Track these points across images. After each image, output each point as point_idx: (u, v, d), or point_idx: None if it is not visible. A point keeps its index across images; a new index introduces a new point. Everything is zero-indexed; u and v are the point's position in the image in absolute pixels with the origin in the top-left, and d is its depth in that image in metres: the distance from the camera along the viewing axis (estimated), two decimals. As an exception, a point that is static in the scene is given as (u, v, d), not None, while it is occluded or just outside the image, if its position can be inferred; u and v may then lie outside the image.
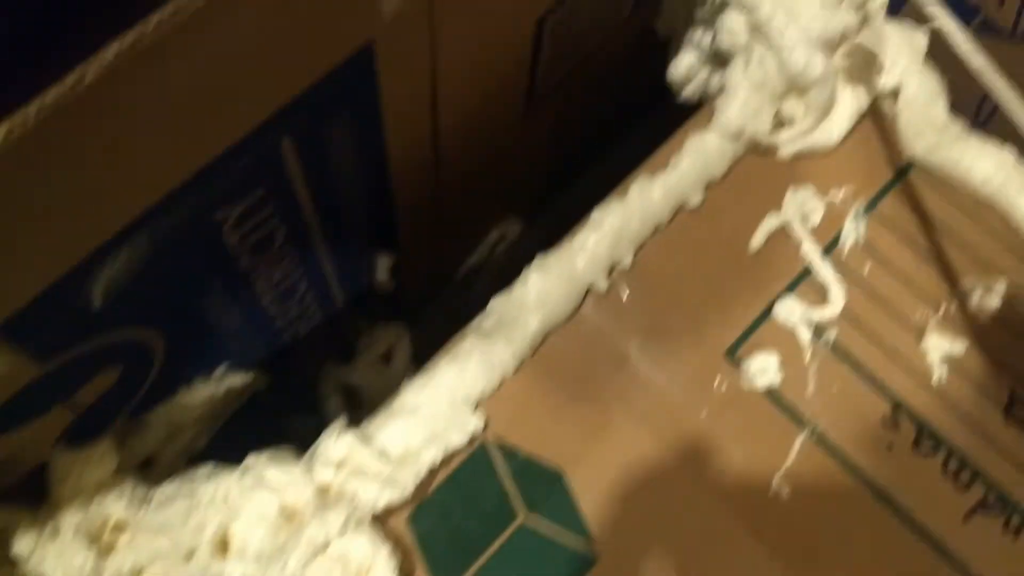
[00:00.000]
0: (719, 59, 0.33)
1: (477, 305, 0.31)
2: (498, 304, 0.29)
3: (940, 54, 0.33)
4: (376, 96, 0.25)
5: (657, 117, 0.44)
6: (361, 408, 0.37)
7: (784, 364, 0.29)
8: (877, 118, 0.33)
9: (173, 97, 0.18)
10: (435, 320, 0.40)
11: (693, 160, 0.31)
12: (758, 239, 0.31)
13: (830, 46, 0.31)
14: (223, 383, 0.29)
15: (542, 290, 0.29)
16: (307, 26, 0.20)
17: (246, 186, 0.23)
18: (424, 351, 0.40)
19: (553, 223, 0.45)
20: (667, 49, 0.38)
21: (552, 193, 0.44)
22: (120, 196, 0.19)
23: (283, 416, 0.37)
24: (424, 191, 0.32)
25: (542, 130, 0.36)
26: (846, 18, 0.31)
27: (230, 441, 0.33)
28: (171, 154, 0.19)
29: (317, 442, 0.26)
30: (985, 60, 0.27)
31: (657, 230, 0.30)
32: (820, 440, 0.28)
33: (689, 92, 0.36)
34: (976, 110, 0.36)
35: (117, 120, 0.17)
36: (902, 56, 0.32)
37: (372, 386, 0.36)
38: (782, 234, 0.31)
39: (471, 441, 0.27)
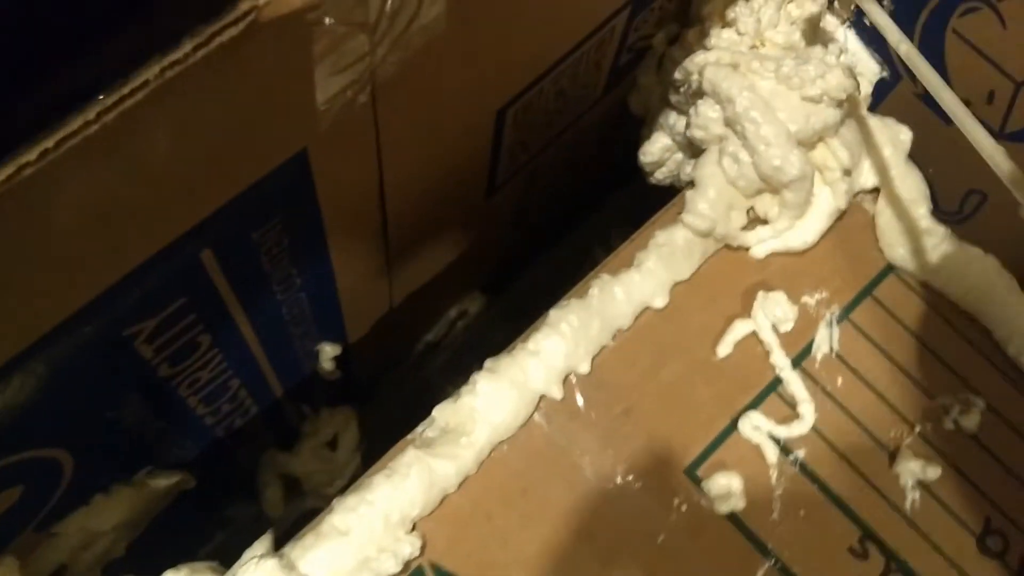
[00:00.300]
0: (693, 147, 0.32)
1: (435, 384, 0.29)
2: (442, 412, 0.27)
3: (922, 147, 0.32)
4: (312, 197, 0.23)
5: (631, 187, 0.43)
6: (303, 497, 0.35)
7: (748, 485, 0.27)
8: (856, 219, 0.31)
9: (64, 225, 0.16)
10: (388, 402, 0.38)
11: (659, 259, 0.29)
12: (725, 346, 0.29)
13: (809, 143, 0.30)
14: (145, 486, 0.27)
15: (491, 398, 0.27)
16: (231, 140, 0.18)
17: (160, 300, 0.21)
18: (376, 435, 0.38)
19: (519, 297, 0.44)
20: (640, 126, 0.36)
21: (518, 266, 0.42)
22: (3, 330, 0.17)
23: (219, 504, 0.35)
24: (373, 279, 0.30)
25: (505, 211, 0.34)
26: (826, 113, 0.29)
27: (158, 532, 0.31)
28: (64, 284, 0.17)
29: (235, 568, 0.24)
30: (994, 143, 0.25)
31: (618, 334, 0.29)
32: (784, 570, 0.27)
33: (661, 176, 0.34)
34: (960, 205, 0.35)
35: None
36: (884, 153, 0.31)
37: (315, 476, 0.34)
38: (751, 339, 0.29)
39: (405, 567, 0.25)
